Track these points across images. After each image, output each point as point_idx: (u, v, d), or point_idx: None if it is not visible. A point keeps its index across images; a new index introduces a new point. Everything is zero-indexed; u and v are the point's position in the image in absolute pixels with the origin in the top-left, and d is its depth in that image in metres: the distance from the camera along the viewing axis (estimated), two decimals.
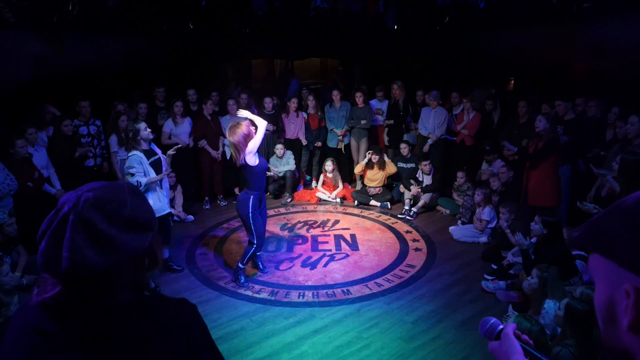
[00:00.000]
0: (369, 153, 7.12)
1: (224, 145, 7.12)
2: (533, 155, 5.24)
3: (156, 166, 4.64)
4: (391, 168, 7.19)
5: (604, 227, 0.69)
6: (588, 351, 2.67)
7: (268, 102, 7.45)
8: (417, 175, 7.13)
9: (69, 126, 5.70)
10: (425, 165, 6.95)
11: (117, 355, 1.00)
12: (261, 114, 6.04)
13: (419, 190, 6.93)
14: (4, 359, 1.03)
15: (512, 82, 10.17)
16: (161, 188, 4.70)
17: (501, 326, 1.14)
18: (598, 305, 0.72)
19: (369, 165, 7.21)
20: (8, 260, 4.10)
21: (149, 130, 4.61)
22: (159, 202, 4.59)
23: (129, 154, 4.46)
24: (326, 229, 6.39)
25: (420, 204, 6.87)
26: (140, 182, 4.31)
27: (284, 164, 7.49)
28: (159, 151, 4.83)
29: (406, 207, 6.85)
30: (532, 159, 5.26)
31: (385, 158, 7.25)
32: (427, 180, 6.99)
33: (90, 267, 0.98)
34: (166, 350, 1.05)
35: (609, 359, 0.71)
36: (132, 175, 4.33)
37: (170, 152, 4.94)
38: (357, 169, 7.40)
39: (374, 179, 7.24)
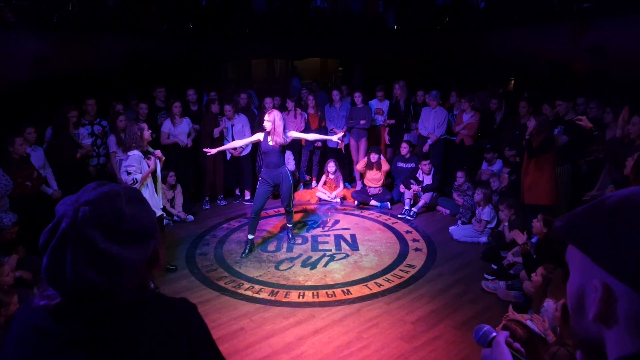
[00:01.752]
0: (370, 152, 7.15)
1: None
2: (531, 150, 5.19)
3: None
4: (384, 166, 7.23)
5: (584, 222, 0.73)
6: None
7: (268, 102, 7.45)
8: (417, 175, 7.13)
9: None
10: (425, 165, 6.95)
11: (118, 355, 1.00)
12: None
13: (419, 188, 6.93)
14: (7, 358, 1.03)
15: (512, 82, 10.17)
16: (157, 193, 4.68)
17: (494, 334, 1.15)
18: (570, 293, 0.76)
19: (369, 165, 7.21)
20: (7, 260, 4.08)
21: (150, 131, 4.63)
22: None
23: (130, 153, 4.44)
24: (326, 229, 6.39)
25: (420, 204, 6.87)
26: (136, 179, 4.29)
27: None
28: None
29: (406, 207, 6.84)
30: (530, 152, 5.21)
31: (380, 157, 7.27)
32: (427, 180, 6.98)
33: (94, 285, 0.98)
34: (167, 349, 1.05)
35: (578, 346, 0.76)
36: (129, 173, 4.32)
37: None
38: (359, 166, 7.40)
39: (374, 179, 7.25)
